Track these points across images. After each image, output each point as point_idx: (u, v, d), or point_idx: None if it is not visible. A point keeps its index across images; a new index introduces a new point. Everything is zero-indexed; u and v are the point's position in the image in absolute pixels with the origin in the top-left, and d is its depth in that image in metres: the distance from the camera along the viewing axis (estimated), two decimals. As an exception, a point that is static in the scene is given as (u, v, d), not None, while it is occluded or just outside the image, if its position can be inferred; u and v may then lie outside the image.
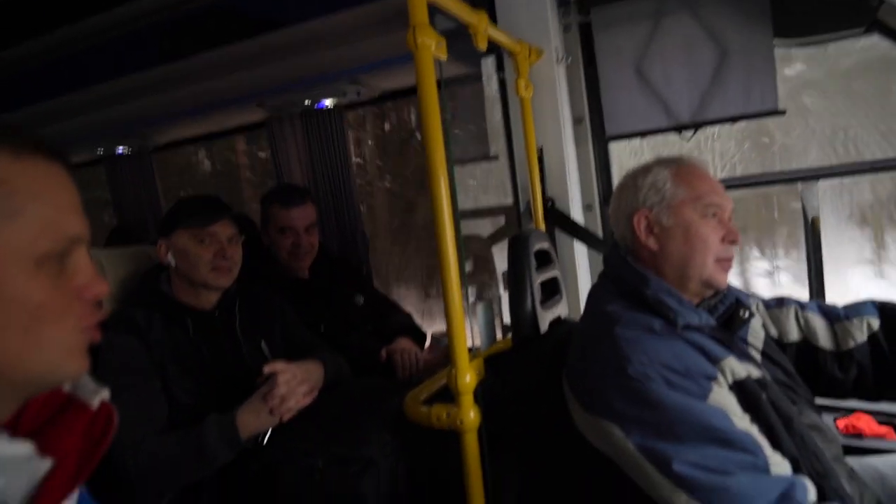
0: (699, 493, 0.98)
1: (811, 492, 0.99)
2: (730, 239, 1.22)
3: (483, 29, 1.53)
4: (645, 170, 1.29)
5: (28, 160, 0.62)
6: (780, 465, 1.02)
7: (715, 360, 1.12)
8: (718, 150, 1.96)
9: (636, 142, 2.05)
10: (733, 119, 1.82)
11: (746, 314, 1.25)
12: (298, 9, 2.00)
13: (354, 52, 1.82)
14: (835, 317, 1.35)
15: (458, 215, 1.38)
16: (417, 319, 2.40)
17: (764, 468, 1.00)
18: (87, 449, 0.70)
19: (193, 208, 1.78)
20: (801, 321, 1.37)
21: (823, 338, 1.34)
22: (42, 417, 0.71)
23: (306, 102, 2.20)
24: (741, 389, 1.11)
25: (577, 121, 2.02)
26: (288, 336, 1.89)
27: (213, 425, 1.49)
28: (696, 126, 1.86)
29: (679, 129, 1.88)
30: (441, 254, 1.25)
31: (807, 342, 1.35)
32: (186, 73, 2.04)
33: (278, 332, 1.88)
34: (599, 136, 2.01)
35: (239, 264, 1.83)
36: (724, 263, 1.23)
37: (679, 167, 1.26)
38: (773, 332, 1.38)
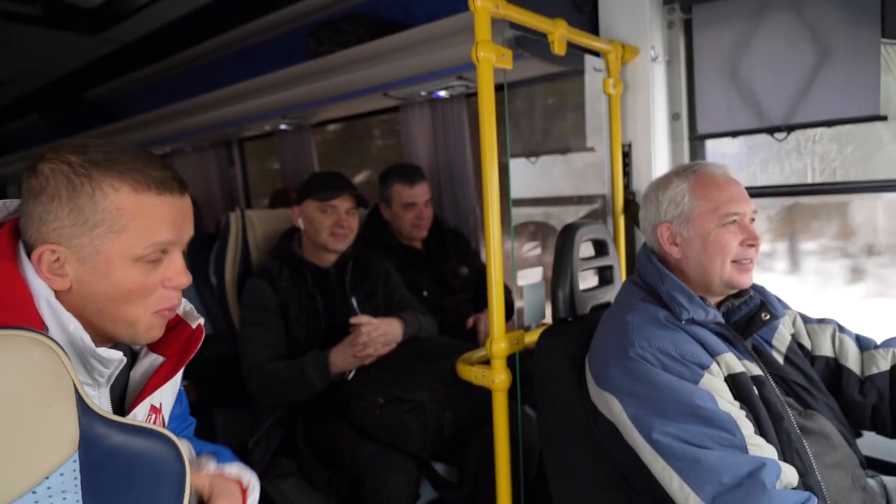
0: (674, 461, 1.11)
1: (787, 475, 1.06)
2: (748, 242, 1.30)
3: (560, 35, 1.68)
4: (665, 183, 1.39)
5: (142, 194, 0.87)
6: (760, 448, 1.10)
7: (713, 353, 1.23)
8: (819, 153, 1.90)
9: (735, 140, 2.05)
10: (828, 123, 1.76)
11: (767, 317, 1.32)
12: (413, 14, 2.28)
13: (461, 52, 2.05)
14: (866, 345, 1.41)
15: (510, 203, 1.58)
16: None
17: (741, 447, 1.09)
18: (182, 352, 1.04)
19: (321, 183, 2.15)
20: (836, 341, 1.43)
21: (853, 361, 1.40)
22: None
23: (422, 93, 2.48)
24: (734, 382, 1.21)
25: (673, 117, 2.06)
26: (387, 295, 2.22)
27: (312, 360, 1.86)
28: (789, 129, 1.83)
29: (771, 131, 1.86)
30: (487, 239, 1.47)
31: (836, 360, 1.41)
32: (327, 67, 2.42)
33: (380, 291, 2.21)
34: (694, 134, 2.05)
35: (355, 232, 2.17)
36: (744, 265, 1.31)
37: (697, 178, 1.35)
38: (807, 343, 1.43)
